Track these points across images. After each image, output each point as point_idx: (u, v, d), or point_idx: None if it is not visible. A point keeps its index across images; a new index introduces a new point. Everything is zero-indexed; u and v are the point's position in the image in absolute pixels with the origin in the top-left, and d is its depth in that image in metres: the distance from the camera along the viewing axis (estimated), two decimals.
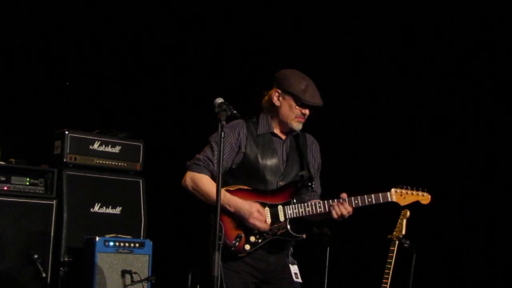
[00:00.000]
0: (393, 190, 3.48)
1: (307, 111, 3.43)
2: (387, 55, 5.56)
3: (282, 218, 3.39)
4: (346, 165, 5.47)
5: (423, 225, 4.85)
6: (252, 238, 3.36)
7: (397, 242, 4.39)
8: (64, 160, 5.36)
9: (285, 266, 3.50)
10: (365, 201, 3.43)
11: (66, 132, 5.37)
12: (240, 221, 3.37)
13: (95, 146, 5.51)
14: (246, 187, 3.41)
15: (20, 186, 5.25)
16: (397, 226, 4.42)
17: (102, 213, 5.47)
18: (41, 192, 5.30)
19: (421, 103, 5.30)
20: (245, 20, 6.11)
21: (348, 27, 5.66)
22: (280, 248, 3.46)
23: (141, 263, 5.12)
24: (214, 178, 3.39)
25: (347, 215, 3.44)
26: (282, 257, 3.49)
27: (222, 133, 3.13)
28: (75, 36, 6.33)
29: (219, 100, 3.22)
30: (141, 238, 5.37)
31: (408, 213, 4.37)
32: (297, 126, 3.45)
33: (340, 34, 5.67)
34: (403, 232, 4.40)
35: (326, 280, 4.76)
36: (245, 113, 3.63)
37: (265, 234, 3.35)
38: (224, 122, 3.16)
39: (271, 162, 3.42)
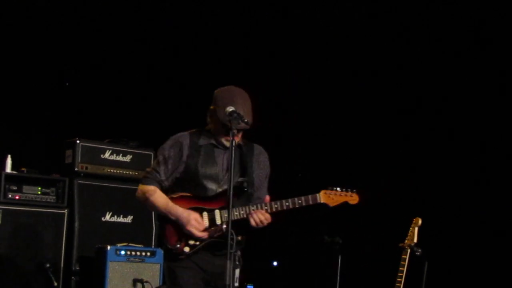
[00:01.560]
0: (322, 191, 3.67)
1: (238, 132, 3.60)
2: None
3: (218, 222, 3.61)
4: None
5: (435, 233, 4.86)
6: (191, 242, 3.60)
7: (409, 250, 4.40)
8: (76, 169, 5.43)
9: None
10: (295, 203, 3.63)
11: (77, 141, 5.44)
12: (180, 227, 3.62)
13: (106, 155, 5.57)
14: (188, 194, 3.64)
15: (32, 195, 5.31)
16: (408, 234, 4.43)
17: (113, 222, 5.52)
18: (52, 201, 5.37)
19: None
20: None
21: None
22: (225, 250, 3.62)
23: (152, 271, 5.15)
24: (162, 189, 3.67)
25: (265, 221, 3.63)
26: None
27: (233, 141, 3.24)
28: (86, 45, 6.38)
29: (230, 108, 3.36)
30: (152, 247, 5.40)
31: (420, 221, 4.39)
32: (227, 144, 3.63)
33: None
34: (415, 241, 4.43)
35: None
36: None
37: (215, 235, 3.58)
38: (235, 131, 3.28)
39: (211, 171, 3.64)
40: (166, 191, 3.70)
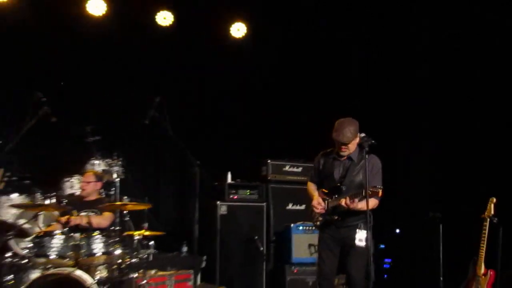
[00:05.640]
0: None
1: (342, 145, 4.61)
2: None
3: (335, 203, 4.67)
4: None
5: (509, 206, 5.37)
6: (320, 219, 4.83)
7: (488, 219, 5.16)
8: (268, 178, 7.00)
9: (354, 234, 4.68)
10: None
11: (269, 161, 7.05)
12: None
13: (287, 168, 7.12)
14: (324, 190, 4.89)
15: (244, 195, 6.86)
16: (487, 208, 5.23)
17: (294, 209, 6.97)
18: (256, 198, 6.90)
19: None
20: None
21: None
22: (349, 222, 4.67)
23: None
24: (316, 184, 4.91)
25: (346, 206, 4.63)
26: (351, 227, 4.69)
27: (366, 155, 4.45)
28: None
29: (362, 134, 4.54)
30: None
31: (495, 200, 5.20)
32: (342, 153, 4.71)
33: None
34: (492, 212, 5.17)
35: (441, 251, 5.65)
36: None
37: (327, 217, 4.80)
38: (367, 149, 4.45)
39: (333, 175, 4.78)
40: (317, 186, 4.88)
